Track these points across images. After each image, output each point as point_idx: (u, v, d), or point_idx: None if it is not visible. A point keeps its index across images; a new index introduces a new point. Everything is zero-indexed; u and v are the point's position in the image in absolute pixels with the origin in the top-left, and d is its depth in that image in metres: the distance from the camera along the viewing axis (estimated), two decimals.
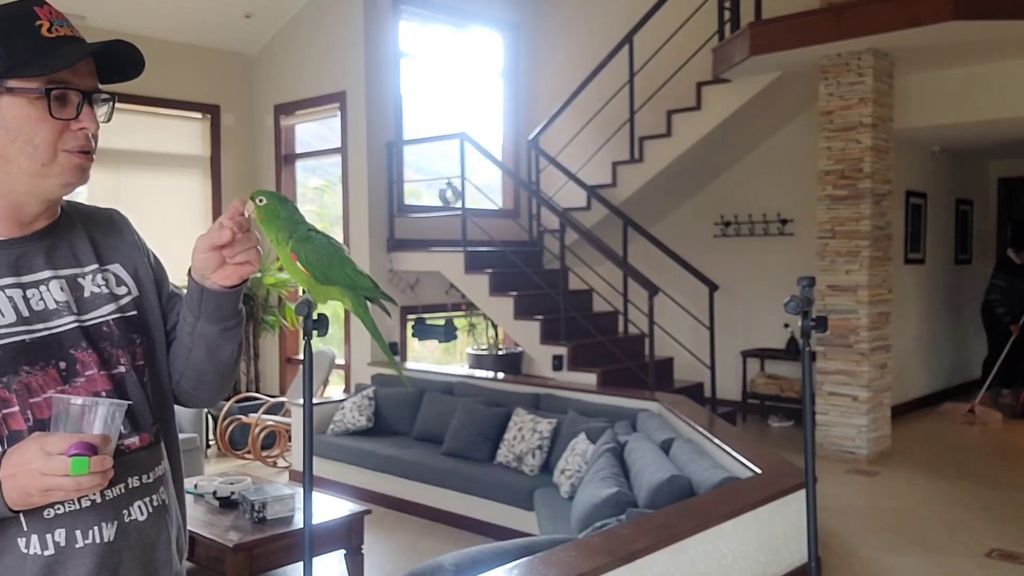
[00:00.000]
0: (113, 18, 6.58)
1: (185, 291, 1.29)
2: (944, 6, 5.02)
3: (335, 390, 7.09)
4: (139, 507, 1.17)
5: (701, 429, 4.27)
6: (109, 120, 1.22)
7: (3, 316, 1.12)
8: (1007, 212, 9.27)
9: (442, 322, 7.11)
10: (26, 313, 1.14)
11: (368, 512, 4.09)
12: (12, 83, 1.11)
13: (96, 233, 1.30)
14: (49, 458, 0.99)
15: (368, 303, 1.45)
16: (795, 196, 7.31)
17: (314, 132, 7.74)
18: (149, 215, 7.03)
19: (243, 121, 7.68)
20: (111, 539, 1.13)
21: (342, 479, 5.60)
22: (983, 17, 5.07)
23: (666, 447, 4.10)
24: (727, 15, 6.46)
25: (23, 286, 1.16)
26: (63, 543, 1.09)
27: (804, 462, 1.42)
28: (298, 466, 6.07)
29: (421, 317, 7.15)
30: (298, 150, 7.78)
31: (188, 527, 4.17)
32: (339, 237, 6.88)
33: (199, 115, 7.40)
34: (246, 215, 1.25)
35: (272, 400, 6.62)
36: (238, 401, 6.68)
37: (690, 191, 7.94)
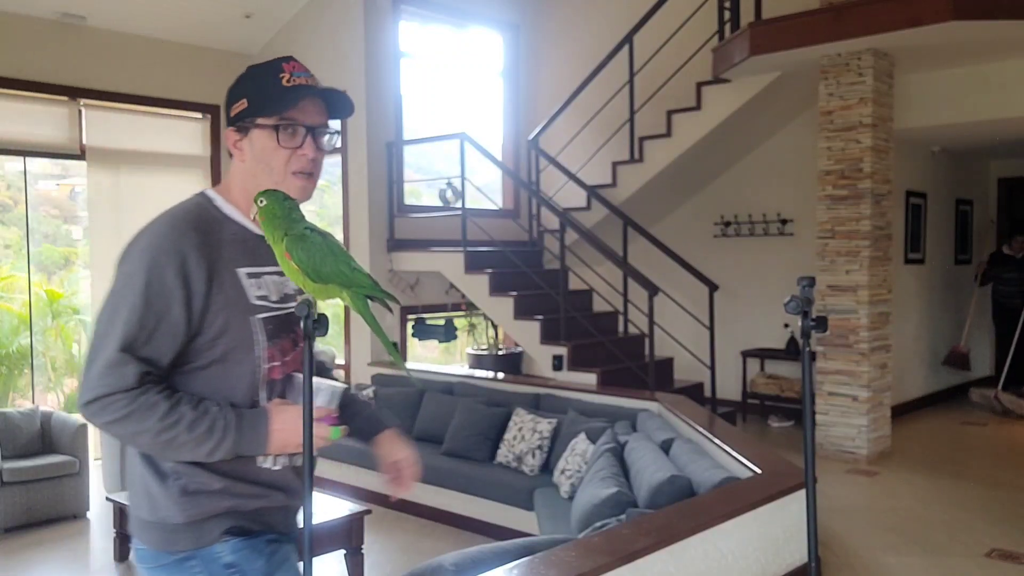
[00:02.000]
0: (113, 18, 6.57)
1: None
2: (944, 6, 5.02)
3: None
4: None
5: (701, 429, 4.27)
6: (333, 148, 1.61)
7: (273, 294, 1.54)
8: (1007, 212, 9.27)
9: (442, 322, 7.11)
10: (282, 295, 1.56)
11: (368, 512, 4.09)
12: (260, 120, 1.52)
13: None
14: (315, 424, 1.40)
15: (369, 300, 1.46)
16: (795, 196, 7.31)
17: None
18: (149, 215, 7.02)
19: None
20: (297, 464, 1.59)
21: (342, 479, 5.60)
22: (983, 17, 5.07)
23: (666, 447, 4.10)
24: (727, 15, 6.46)
25: (279, 274, 1.54)
26: (287, 463, 1.57)
27: (804, 462, 1.42)
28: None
29: (421, 317, 7.15)
30: None
31: None
32: (339, 237, 6.89)
33: (199, 115, 7.40)
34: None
35: None
36: None
37: (690, 191, 7.94)
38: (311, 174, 1.54)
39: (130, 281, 1.42)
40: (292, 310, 1.55)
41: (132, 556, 1.53)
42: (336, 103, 1.58)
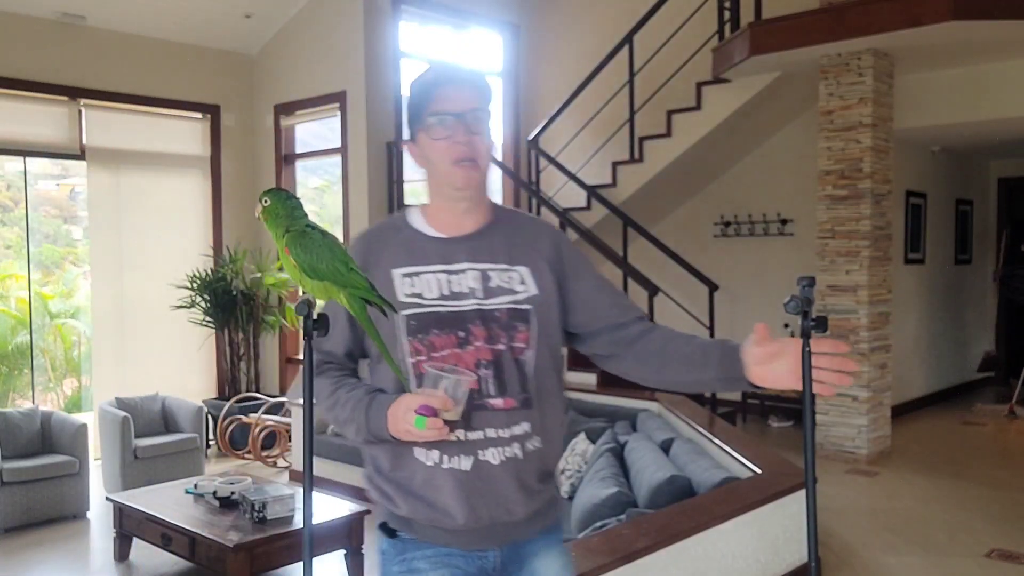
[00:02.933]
0: (113, 18, 6.57)
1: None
2: (944, 6, 5.02)
3: None
4: (492, 453, 1.52)
5: (701, 429, 4.27)
6: (489, 127, 1.61)
7: (431, 291, 1.55)
8: (1007, 212, 9.27)
9: None
10: (447, 292, 1.56)
11: (368, 512, 4.08)
12: (417, 124, 1.57)
13: (515, 239, 1.64)
14: (408, 412, 1.41)
15: (367, 304, 1.46)
16: (795, 196, 7.30)
17: (314, 132, 7.74)
18: (149, 215, 7.04)
19: (243, 121, 7.68)
20: (468, 469, 1.52)
21: (342, 479, 5.59)
22: (983, 17, 5.07)
23: (666, 447, 4.10)
24: (727, 15, 6.46)
25: (449, 272, 1.57)
26: (437, 460, 1.52)
27: (804, 462, 1.42)
28: (298, 466, 6.07)
29: None
30: (298, 150, 7.78)
31: (187, 527, 4.13)
32: (339, 237, 6.89)
33: (199, 115, 7.40)
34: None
35: (272, 400, 6.61)
36: (238, 401, 6.67)
37: (690, 191, 7.94)
38: (472, 159, 1.56)
39: None
40: (453, 307, 1.55)
41: None
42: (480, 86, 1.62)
